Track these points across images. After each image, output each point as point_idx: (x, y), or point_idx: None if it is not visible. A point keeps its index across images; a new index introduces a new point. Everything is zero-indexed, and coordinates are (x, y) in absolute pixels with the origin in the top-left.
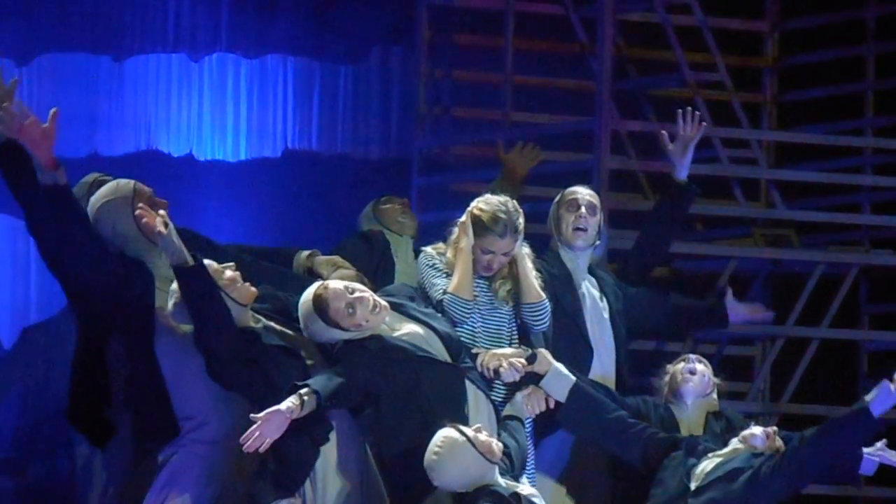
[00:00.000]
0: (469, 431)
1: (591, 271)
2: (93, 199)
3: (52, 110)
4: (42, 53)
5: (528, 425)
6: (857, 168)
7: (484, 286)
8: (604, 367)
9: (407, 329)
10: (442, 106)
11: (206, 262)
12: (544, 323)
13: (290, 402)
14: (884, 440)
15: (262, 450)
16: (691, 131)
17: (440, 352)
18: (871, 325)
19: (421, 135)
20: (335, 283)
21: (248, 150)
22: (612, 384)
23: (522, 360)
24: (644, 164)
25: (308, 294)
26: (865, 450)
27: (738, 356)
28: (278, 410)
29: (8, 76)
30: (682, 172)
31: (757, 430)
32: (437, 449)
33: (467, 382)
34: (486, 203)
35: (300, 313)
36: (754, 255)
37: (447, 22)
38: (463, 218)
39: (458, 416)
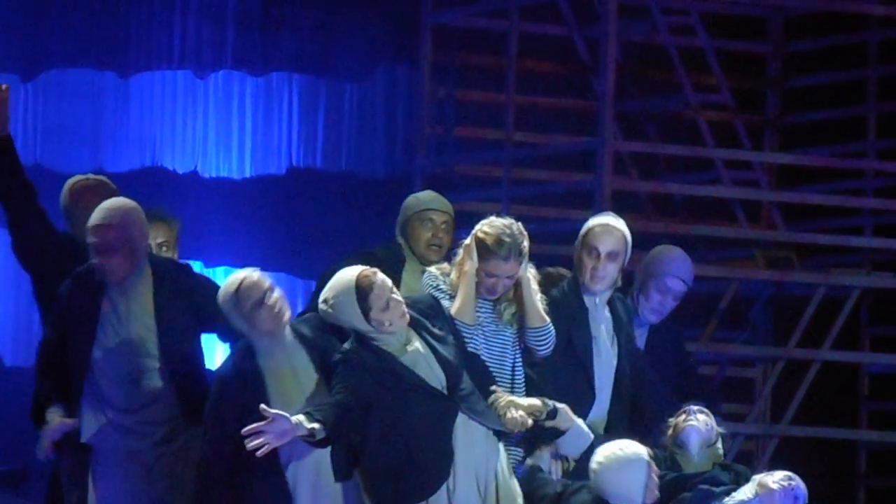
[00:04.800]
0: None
1: (610, 304)
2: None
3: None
4: (47, 69)
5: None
6: (858, 191)
7: (488, 307)
8: (601, 410)
9: (412, 347)
10: (445, 125)
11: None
12: (548, 348)
13: (301, 418)
14: None
15: (259, 453)
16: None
17: (437, 377)
18: (873, 347)
19: (424, 154)
20: (384, 276)
21: (253, 168)
22: (601, 426)
23: (534, 417)
24: (646, 185)
25: (352, 272)
26: None
27: (739, 378)
28: (289, 419)
29: (13, 91)
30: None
31: (774, 482)
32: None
33: (461, 414)
34: (490, 226)
35: (333, 285)
36: (756, 277)
37: (451, 42)
38: (467, 240)
39: (444, 447)
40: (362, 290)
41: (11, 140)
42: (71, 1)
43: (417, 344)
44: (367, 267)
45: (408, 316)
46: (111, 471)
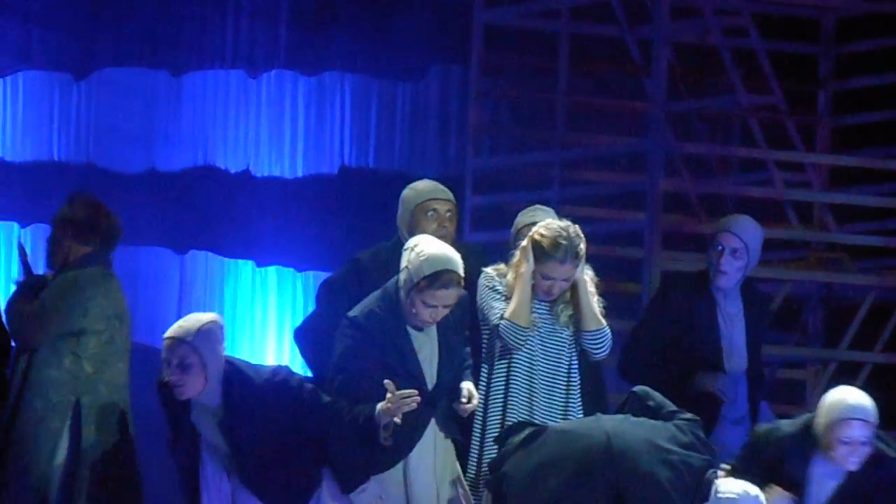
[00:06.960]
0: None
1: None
2: None
3: None
4: (100, 68)
5: None
6: None
7: (545, 309)
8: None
9: (426, 334)
10: (496, 125)
11: None
12: (604, 351)
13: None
14: None
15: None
16: None
17: (431, 372)
18: None
19: (475, 154)
20: (460, 293)
21: (305, 167)
22: None
23: None
24: (697, 186)
25: (453, 261)
26: None
27: (790, 379)
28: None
29: (66, 90)
30: None
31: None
32: None
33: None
34: (546, 228)
35: (436, 251)
36: (807, 279)
37: (503, 42)
38: (524, 242)
39: (409, 439)
40: (433, 277)
41: None
42: (124, 0)
43: (433, 333)
44: (463, 271)
45: (431, 324)
46: None
